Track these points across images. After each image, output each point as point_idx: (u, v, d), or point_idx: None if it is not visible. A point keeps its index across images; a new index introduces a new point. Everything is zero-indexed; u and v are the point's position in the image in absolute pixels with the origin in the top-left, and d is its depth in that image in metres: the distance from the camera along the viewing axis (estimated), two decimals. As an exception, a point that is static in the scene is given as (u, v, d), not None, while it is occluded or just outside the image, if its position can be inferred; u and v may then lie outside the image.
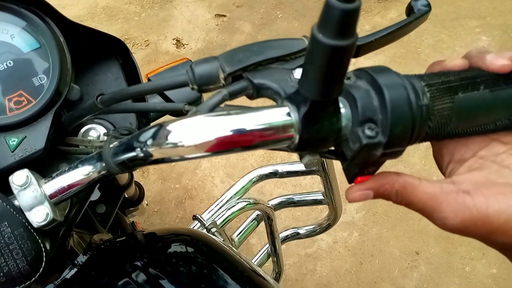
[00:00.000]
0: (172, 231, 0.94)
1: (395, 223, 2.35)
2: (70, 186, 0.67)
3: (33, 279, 0.66)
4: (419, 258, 2.24)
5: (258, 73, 0.54)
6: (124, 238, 0.84)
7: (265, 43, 0.57)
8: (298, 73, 0.52)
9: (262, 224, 1.44)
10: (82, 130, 0.78)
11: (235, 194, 1.34)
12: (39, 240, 0.65)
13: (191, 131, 0.51)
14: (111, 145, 0.63)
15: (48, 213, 0.64)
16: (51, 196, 0.66)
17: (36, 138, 0.67)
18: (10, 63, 0.67)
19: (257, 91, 0.53)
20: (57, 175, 0.68)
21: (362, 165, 0.50)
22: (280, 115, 0.48)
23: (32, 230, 0.64)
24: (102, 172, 0.65)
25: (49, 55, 0.67)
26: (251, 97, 0.54)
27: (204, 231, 1.27)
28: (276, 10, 3.37)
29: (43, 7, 0.67)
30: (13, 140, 0.66)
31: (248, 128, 0.48)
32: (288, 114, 0.47)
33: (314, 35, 0.39)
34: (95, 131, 0.78)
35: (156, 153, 0.56)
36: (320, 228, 1.53)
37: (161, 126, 0.53)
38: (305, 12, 3.32)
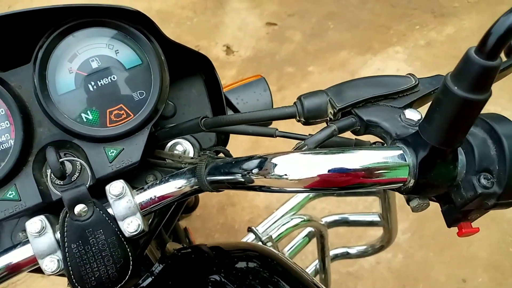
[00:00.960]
0: (242, 246, 0.96)
1: (443, 248, 2.28)
2: (160, 199, 0.70)
3: (119, 285, 0.69)
4: (466, 286, 2.17)
5: (367, 109, 0.54)
6: (196, 249, 0.87)
7: (371, 79, 0.58)
8: (409, 114, 0.52)
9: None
10: (169, 144, 0.81)
11: (290, 210, 1.35)
12: (128, 249, 0.68)
13: (300, 165, 0.52)
14: (207, 164, 0.65)
15: (139, 224, 0.67)
16: (142, 207, 0.69)
17: (133, 151, 0.70)
18: (113, 78, 0.71)
19: (365, 128, 0.54)
20: (148, 187, 0.71)
21: (467, 212, 0.49)
22: (393, 156, 0.48)
23: (123, 238, 0.67)
24: (194, 188, 0.68)
25: (151, 72, 0.70)
26: (357, 133, 0.54)
27: (260, 243, 1.28)
28: (328, 20, 3.35)
29: (150, 26, 0.70)
30: (112, 152, 0.70)
31: (359, 166, 0.48)
32: (402, 157, 0.47)
33: (447, 85, 0.39)
34: (181, 146, 0.81)
35: (258, 181, 0.58)
36: (372, 249, 1.51)
37: (267, 157, 0.55)
38: (358, 24, 3.29)
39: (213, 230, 2.51)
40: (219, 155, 0.74)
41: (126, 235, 0.66)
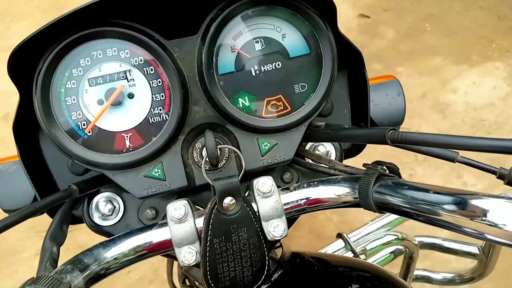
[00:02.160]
0: (354, 263, 0.89)
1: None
2: (307, 203, 0.63)
3: (251, 289, 0.64)
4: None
5: None
6: (317, 259, 0.80)
7: None
8: None
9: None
10: (310, 143, 0.74)
11: (386, 224, 1.26)
12: (266, 252, 0.62)
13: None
14: (376, 181, 0.57)
15: (285, 229, 0.61)
16: (285, 209, 0.63)
17: (286, 148, 0.64)
18: (278, 65, 0.64)
19: None
20: (295, 189, 0.64)
21: None
22: None
23: (263, 241, 0.61)
24: (352, 201, 0.61)
25: (323, 64, 0.63)
26: None
27: (349, 253, 1.21)
28: (426, 22, 3.13)
29: (330, 12, 0.62)
30: (265, 145, 0.64)
31: None
32: None
33: None
34: (324, 147, 0.74)
35: (448, 219, 0.49)
36: (460, 279, 1.39)
37: (474, 197, 0.47)
38: (457, 31, 3.05)
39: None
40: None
41: (269, 238, 0.60)
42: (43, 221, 0.64)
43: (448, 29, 3.07)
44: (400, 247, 1.34)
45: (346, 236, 1.22)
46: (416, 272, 1.46)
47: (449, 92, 2.76)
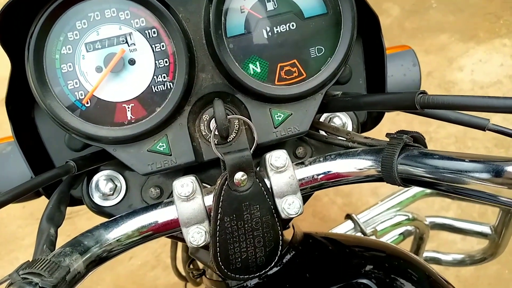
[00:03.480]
0: (368, 243, 0.85)
1: (524, 268, 2.08)
2: (324, 178, 0.58)
3: (263, 271, 0.59)
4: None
5: None
6: (329, 240, 0.76)
7: None
8: None
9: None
10: (325, 114, 0.68)
11: (396, 205, 1.21)
12: (280, 232, 0.57)
13: None
14: (401, 151, 0.52)
15: (300, 206, 0.56)
16: (300, 185, 0.58)
17: (302, 118, 0.58)
18: (292, 26, 0.58)
19: None
20: (310, 163, 0.59)
21: None
22: None
23: (277, 219, 0.57)
24: (374, 175, 0.56)
25: (342, 25, 0.57)
26: None
27: (359, 234, 1.17)
28: (431, -2, 3.05)
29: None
30: (278, 115, 0.58)
31: None
32: None
33: None
34: (339, 119, 0.68)
35: (482, 188, 0.45)
36: (470, 259, 1.36)
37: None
38: (464, 7, 2.97)
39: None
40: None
41: (283, 216, 0.56)
42: (43, 208, 0.60)
43: (454, 5, 2.98)
44: (410, 228, 1.30)
45: (355, 217, 1.18)
46: (425, 254, 1.43)
47: (455, 70, 2.70)
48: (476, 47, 2.78)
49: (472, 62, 2.71)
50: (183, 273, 1.24)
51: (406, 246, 1.38)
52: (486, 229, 1.27)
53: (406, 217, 1.22)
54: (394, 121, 2.32)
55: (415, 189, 1.21)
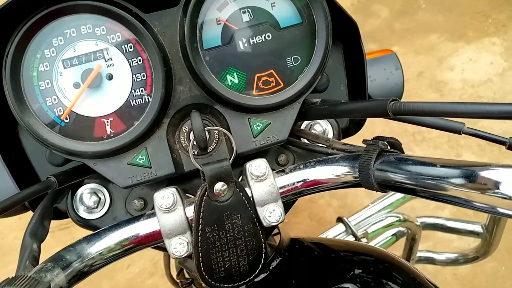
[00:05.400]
0: (356, 247, 0.85)
1: (520, 265, 2.08)
2: (304, 185, 0.59)
3: (247, 280, 0.60)
4: (541, 310, 1.98)
5: None
6: (317, 244, 0.76)
7: None
8: None
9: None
10: (306, 122, 0.69)
11: (386, 207, 1.22)
12: (262, 240, 0.58)
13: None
14: (378, 157, 0.53)
15: (281, 213, 0.57)
16: (281, 193, 0.59)
17: (280, 127, 0.59)
18: (268, 36, 0.59)
19: None
20: (290, 171, 0.60)
21: None
22: None
23: (259, 227, 0.57)
24: (353, 181, 0.56)
25: (316, 34, 0.57)
26: None
27: (350, 237, 1.17)
28: (420, -1, 3.07)
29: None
30: (257, 125, 0.59)
31: None
32: None
33: None
34: (320, 126, 0.69)
35: (457, 193, 0.45)
36: (463, 258, 1.36)
37: (485, 169, 0.43)
38: (453, 6, 2.99)
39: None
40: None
41: (265, 224, 0.56)
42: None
43: (443, 5, 3.00)
44: (402, 229, 1.31)
45: (346, 220, 1.18)
46: (418, 254, 1.44)
47: (446, 70, 2.71)
48: (465, 46, 2.80)
49: (462, 62, 2.73)
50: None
51: (399, 247, 1.39)
52: (478, 228, 1.28)
53: (397, 219, 1.22)
54: (387, 123, 2.33)
55: (404, 191, 1.22)
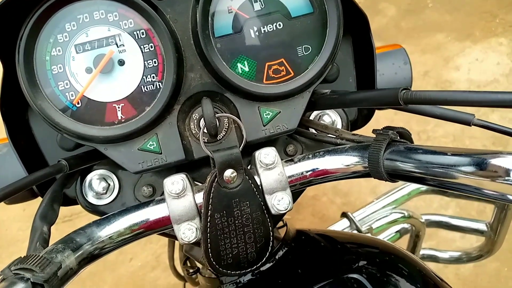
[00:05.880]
0: (361, 239, 0.86)
1: (523, 265, 2.08)
2: (313, 175, 0.59)
3: (254, 267, 0.60)
4: (543, 310, 1.98)
5: None
6: (323, 236, 0.77)
7: None
8: None
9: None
10: (315, 112, 0.69)
11: (392, 202, 1.22)
12: (270, 227, 0.58)
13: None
14: (387, 147, 0.53)
15: (290, 202, 0.57)
16: (290, 182, 0.59)
17: (290, 116, 0.59)
18: (279, 25, 0.59)
19: None
20: (299, 160, 0.60)
21: None
22: None
23: (267, 215, 0.57)
24: (362, 170, 0.56)
25: (328, 24, 0.58)
26: None
27: (354, 232, 1.18)
28: (427, -2, 3.06)
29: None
30: (267, 113, 0.59)
31: None
32: None
33: None
34: (329, 117, 0.69)
35: (467, 181, 0.45)
36: (467, 257, 1.36)
37: (496, 157, 0.43)
38: (460, 6, 2.98)
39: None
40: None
41: (273, 212, 0.56)
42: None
43: (450, 4, 2.99)
44: (406, 226, 1.31)
45: (351, 215, 1.19)
46: (422, 252, 1.44)
47: (452, 69, 2.71)
48: (472, 46, 2.79)
49: (468, 61, 2.72)
50: (182, 273, 1.25)
51: (403, 244, 1.39)
52: (482, 226, 1.27)
53: (402, 215, 1.22)
54: (393, 121, 2.33)
55: (410, 187, 1.22)
